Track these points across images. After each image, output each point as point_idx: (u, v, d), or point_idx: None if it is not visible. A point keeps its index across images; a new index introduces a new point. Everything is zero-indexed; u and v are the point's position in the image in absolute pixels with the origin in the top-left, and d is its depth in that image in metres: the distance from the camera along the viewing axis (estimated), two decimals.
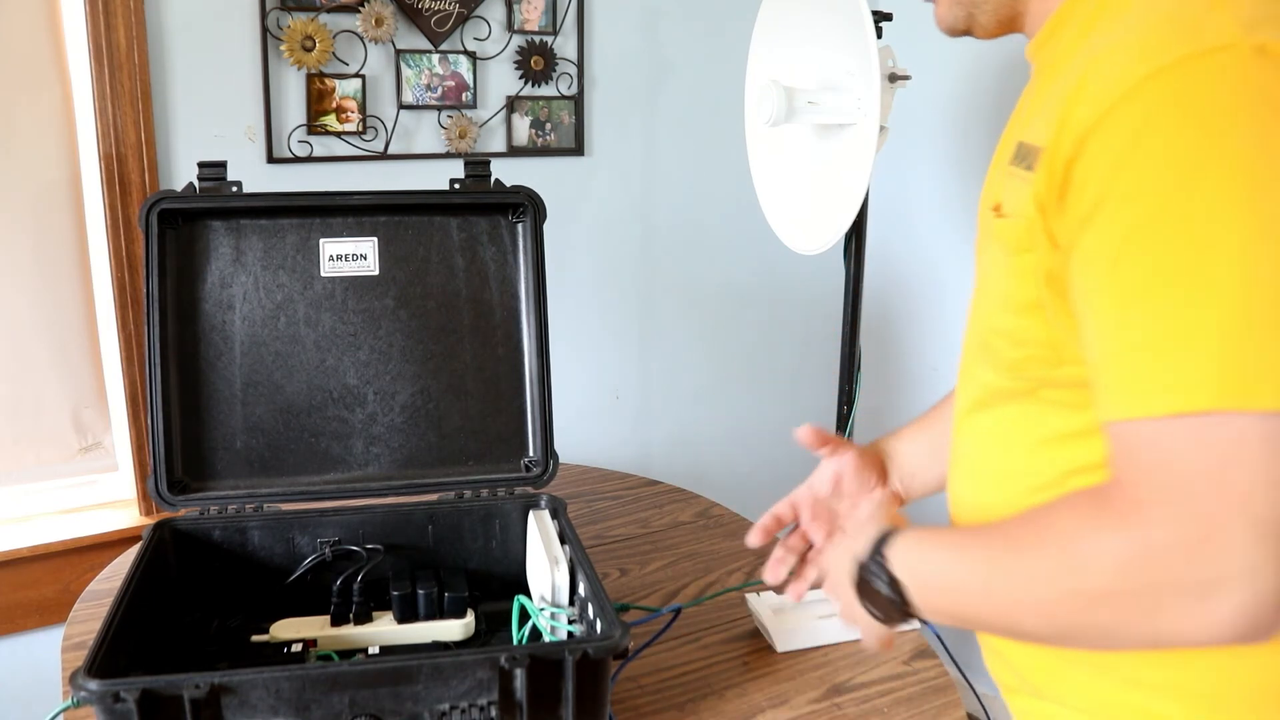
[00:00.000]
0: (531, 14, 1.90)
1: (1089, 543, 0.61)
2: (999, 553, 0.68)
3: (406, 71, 1.81)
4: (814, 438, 1.02)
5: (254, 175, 1.73)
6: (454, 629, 1.10)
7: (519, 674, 0.87)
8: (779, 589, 1.02)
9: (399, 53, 1.80)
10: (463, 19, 1.83)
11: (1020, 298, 0.71)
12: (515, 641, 1.06)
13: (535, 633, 1.06)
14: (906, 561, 0.75)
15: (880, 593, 0.76)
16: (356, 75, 1.77)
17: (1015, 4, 0.78)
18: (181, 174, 1.69)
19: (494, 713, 0.88)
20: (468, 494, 1.20)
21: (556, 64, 1.95)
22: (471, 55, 1.86)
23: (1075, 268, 0.63)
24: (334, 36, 1.73)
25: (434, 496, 1.20)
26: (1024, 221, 0.68)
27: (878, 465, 1.03)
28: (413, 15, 1.79)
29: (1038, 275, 0.68)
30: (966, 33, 0.83)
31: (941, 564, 0.73)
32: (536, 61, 1.92)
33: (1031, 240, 0.67)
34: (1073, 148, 0.62)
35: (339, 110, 1.77)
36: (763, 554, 1.40)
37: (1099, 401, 0.63)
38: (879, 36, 1.29)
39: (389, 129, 1.83)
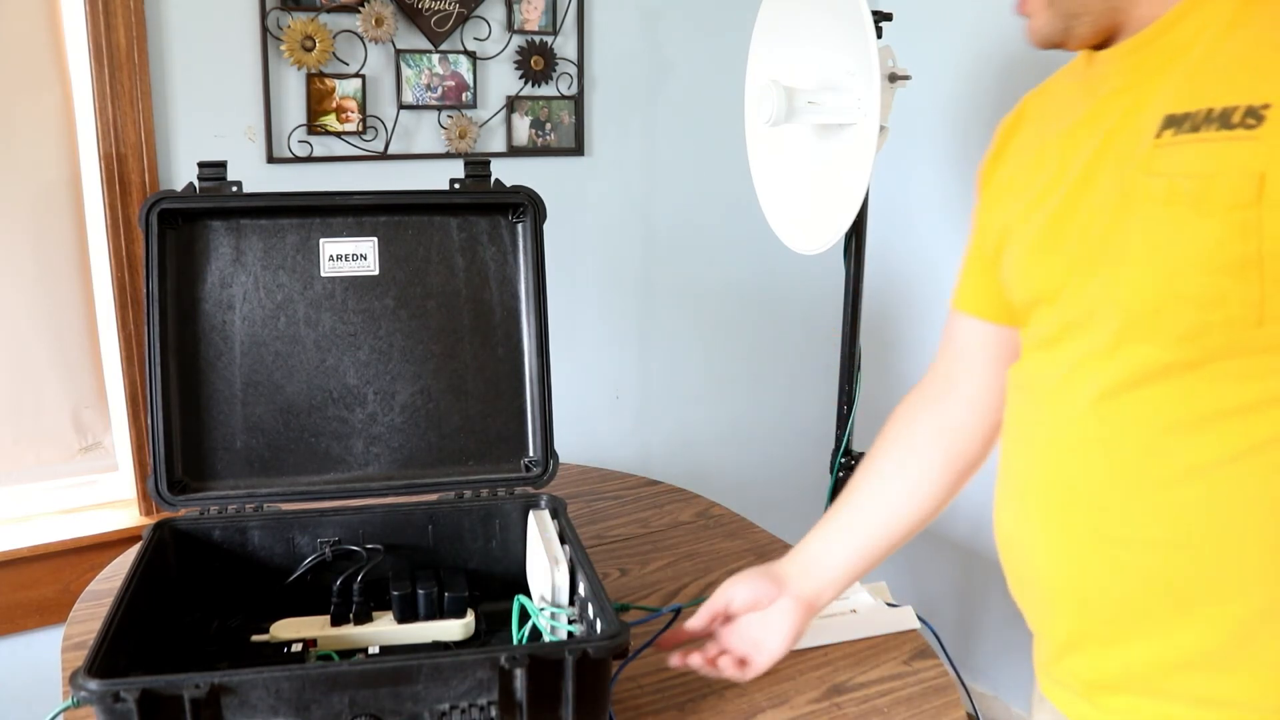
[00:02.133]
0: (531, 14, 1.90)
1: None
2: None
3: (406, 71, 1.81)
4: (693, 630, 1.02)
5: (254, 175, 1.73)
6: (454, 629, 1.10)
7: (519, 674, 0.87)
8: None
9: (399, 53, 1.80)
10: (463, 19, 1.83)
11: (1226, 256, 0.69)
12: (515, 641, 1.06)
13: (535, 633, 1.06)
14: None
15: None
16: (356, 75, 1.77)
17: (1117, 13, 0.79)
18: (181, 174, 1.69)
19: (494, 713, 0.88)
20: (468, 494, 1.20)
21: (556, 64, 1.95)
22: (471, 55, 1.86)
23: None
24: (334, 36, 1.73)
25: (434, 496, 1.20)
26: (1246, 180, 0.67)
27: (769, 585, 1.03)
28: (413, 15, 1.79)
29: (1263, 232, 0.67)
30: (1060, 45, 0.83)
31: None
32: (536, 61, 1.92)
33: (1257, 198, 0.67)
34: None
35: (339, 110, 1.77)
36: (763, 554, 1.40)
37: None
38: (879, 36, 1.29)
39: (389, 129, 1.83)
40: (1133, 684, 0.79)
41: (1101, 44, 0.82)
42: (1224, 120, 0.69)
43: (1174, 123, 0.72)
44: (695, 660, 1.01)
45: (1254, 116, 0.67)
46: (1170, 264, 0.72)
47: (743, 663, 1.00)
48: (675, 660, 1.02)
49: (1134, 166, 0.75)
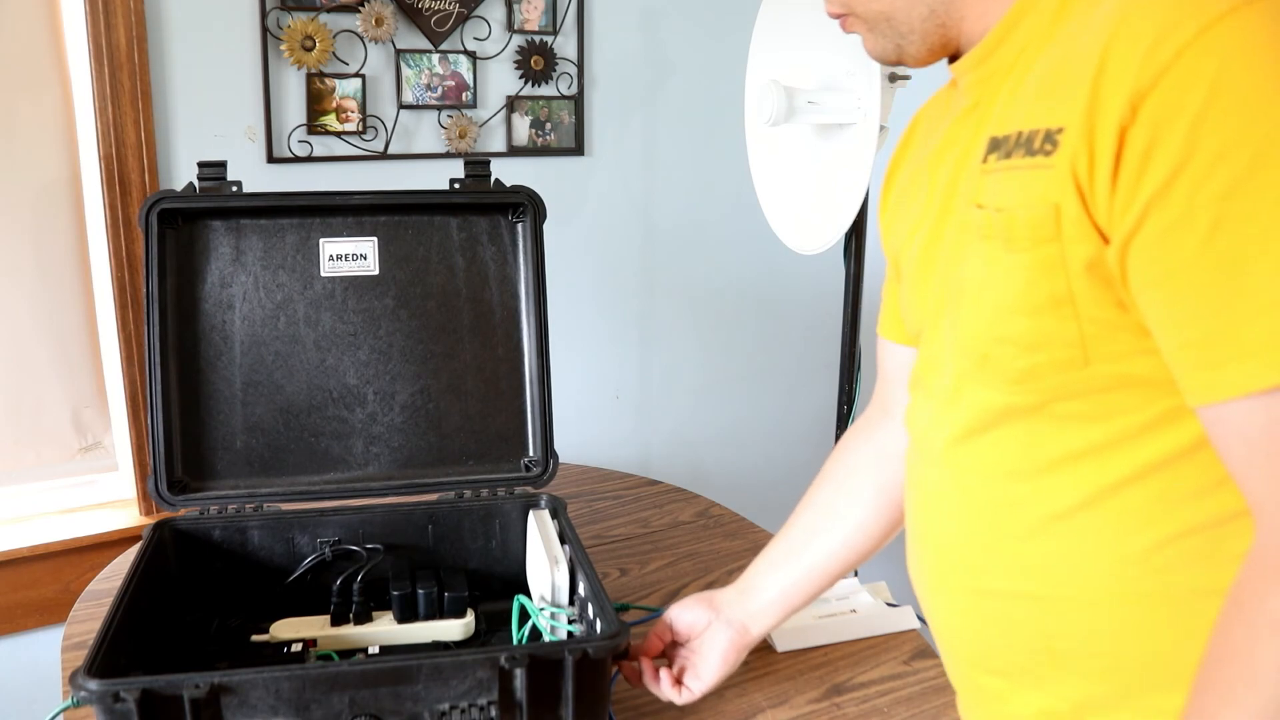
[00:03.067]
0: (531, 14, 1.90)
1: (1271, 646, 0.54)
2: None
3: (406, 71, 1.81)
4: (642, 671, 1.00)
5: (254, 175, 1.73)
6: (454, 629, 1.10)
7: (519, 674, 0.87)
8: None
9: (399, 52, 1.80)
10: (463, 19, 1.83)
11: (1037, 296, 0.64)
12: (515, 641, 1.06)
13: (535, 632, 1.06)
14: None
15: None
16: (356, 75, 1.77)
17: (945, 29, 0.74)
18: (181, 174, 1.69)
19: (494, 713, 0.88)
20: (468, 494, 1.20)
21: (556, 64, 1.95)
22: (471, 55, 1.86)
23: (1146, 246, 0.58)
24: (334, 36, 1.73)
25: (434, 496, 1.20)
26: (1045, 211, 0.62)
27: (705, 610, 1.03)
28: (413, 15, 1.79)
29: (1066, 267, 0.62)
30: (898, 63, 0.78)
31: None
32: (536, 61, 1.92)
33: (1056, 230, 0.62)
34: (1124, 113, 0.57)
35: (339, 110, 1.77)
36: None
37: (1196, 384, 0.57)
38: None
39: (389, 129, 1.83)
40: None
41: (953, 56, 0.77)
42: (1029, 146, 0.64)
43: (995, 147, 0.68)
44: (644, 675, 1.00)
45: (1050, 142, 0.62)
46: (992, 305, 0.68)
47: (679, 684, 0.99)
48: (627, 676, 1.01)
49: (969, 196, 0.71)
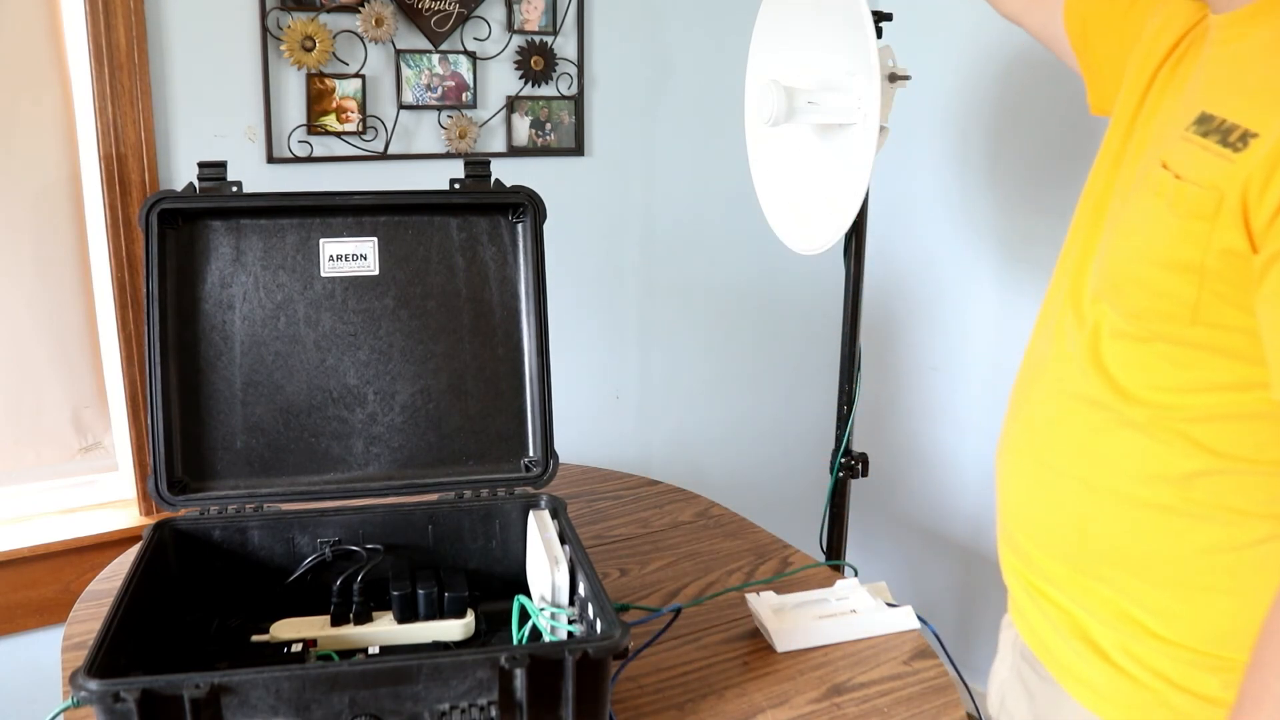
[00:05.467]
0: (531, 14, 1.90)
1: None
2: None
3: (406, 71, 1.81)
4: None
5: (254, 175, 1.73)
6: (454, 629, 1.10)
7: (519, 674, 0.87)
8: None
9: (399, 53, 1.80)
10: (463, 19, 1.83)
11: (1177, 257, 0.74)
12: (515, 641, 1.06)
13: (535, 633, 1.06)
14: None
15: None
16: (356, 75, 1.77)
17: None
18: (181, 174, 1.69)
19: (494, 713, 0.88)
20: (468, 494, 1.20)
21: (556, 64, 1.95)
22: (471, 55, 1.86)
23: None
24: (334, 36, 1.73)
25: (434, 496, 1.20)
26: (1211, 195, 0.71)
27: None
28: (413, 15, 1.79)
29: (1209, 245, 0.71)
30: None
31: None
32: (536, 61, 1.92)
33: (1214, 213, 0.70)
34: None
35: (339, 110, 1.77)
36: (763, 554, 1.40)
37: None
38: (879, 36, 1.29)
39: (389, 129, 1.83)
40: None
41: None
42: (1225, 136, 0.72)
43: (1203, 121, 0.75)
44: None
45: (1243, 141, 0.70)
46: (1138, 248, 0.78)
47: None
48: None
49: (1161, 150, 0.78)
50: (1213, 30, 0.82)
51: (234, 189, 1.15)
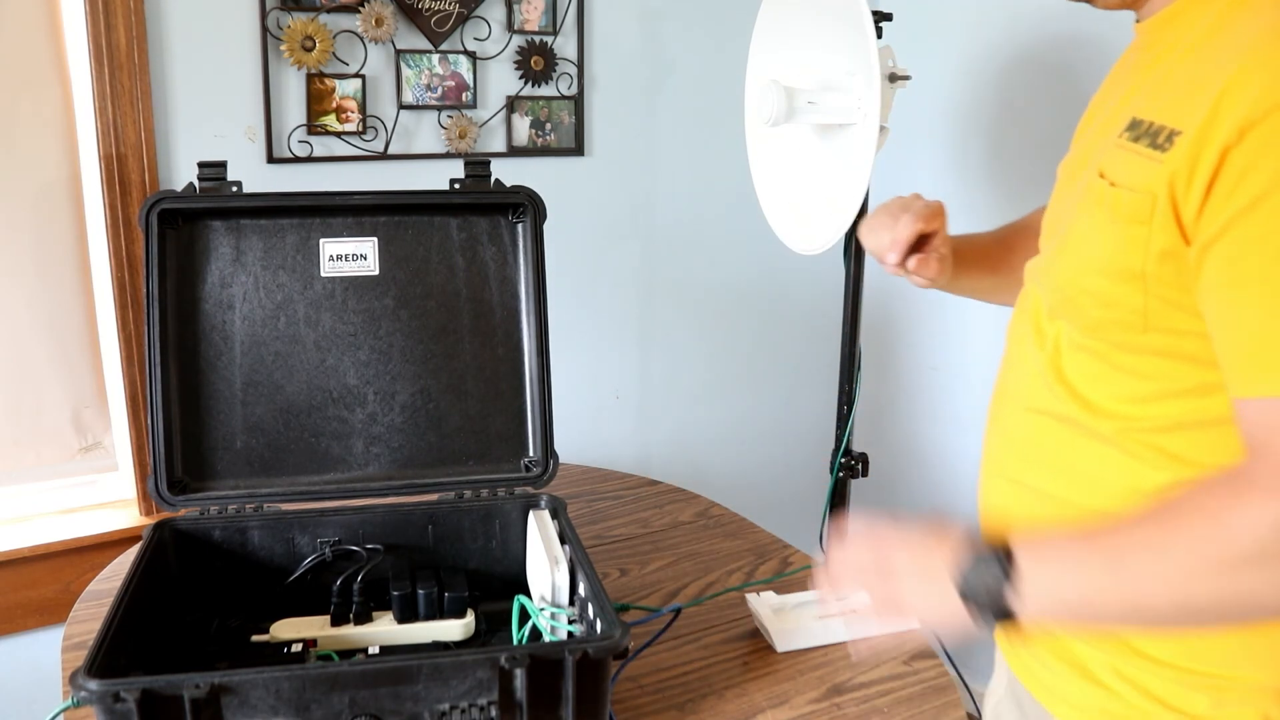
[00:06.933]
0: (531, 14, 1.90)
1: (1236, 513, 0.65)
2: (1135, 537, 0.69)
3: (406, 71, 1.81)
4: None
5: (254, 175, 1.73)
6: (454, 629, 1.10)
7: (519, 674, 0.87)
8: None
9: (399, 53, 1.80)
10: (463, 19, 1.83)
11: (1121, 265, 0.74)
12: (515, 641, 1.06)
13: (535, 633, 1.06)
14: (1038, 585, 0.73)
15: (993, 609, 0.75)
16: (356, 75, 1.77)
17: None
18: (181, 174, 1.69)
19: (494, 713, 0.88)
20: (468, 494, 1.20)
21: (556, 64, 1.95)
22: (471, 55, 1.86)
23: (1221, 251, 0.67)
24: (334, 36, 1.73)
25: (434, 496, 1.20)
26: (1145, 198, 0.71)
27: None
28: (413, 15, 1.79)
29: (1149, 249, 0.72)
30: (1088, 1, 0.86)
31: (1069, 570, 0.73)
32: (536, 61, 1.92)
33: (1149, 216, 0.71)
34: (1231, 135, 0.65)
35: (339, 110, 1.77)
36: (763, 554, 1.40)
37: (1237, 380, 0.67)
38: (879, 36, 1.29)
39: (389, 129, 1.83)
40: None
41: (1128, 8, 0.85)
42: (1154, 138, 0.72)
43: (1133, 127, 0.75)
44: (911, 263, 1.06)
45: (1169, 140, 0.70)
46: (1086, 259, 0.79)
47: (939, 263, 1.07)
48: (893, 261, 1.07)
49: (1099, 160, 0.79)
50: (1138, 36, 0.84)
51: (234, 189, 1.15)
